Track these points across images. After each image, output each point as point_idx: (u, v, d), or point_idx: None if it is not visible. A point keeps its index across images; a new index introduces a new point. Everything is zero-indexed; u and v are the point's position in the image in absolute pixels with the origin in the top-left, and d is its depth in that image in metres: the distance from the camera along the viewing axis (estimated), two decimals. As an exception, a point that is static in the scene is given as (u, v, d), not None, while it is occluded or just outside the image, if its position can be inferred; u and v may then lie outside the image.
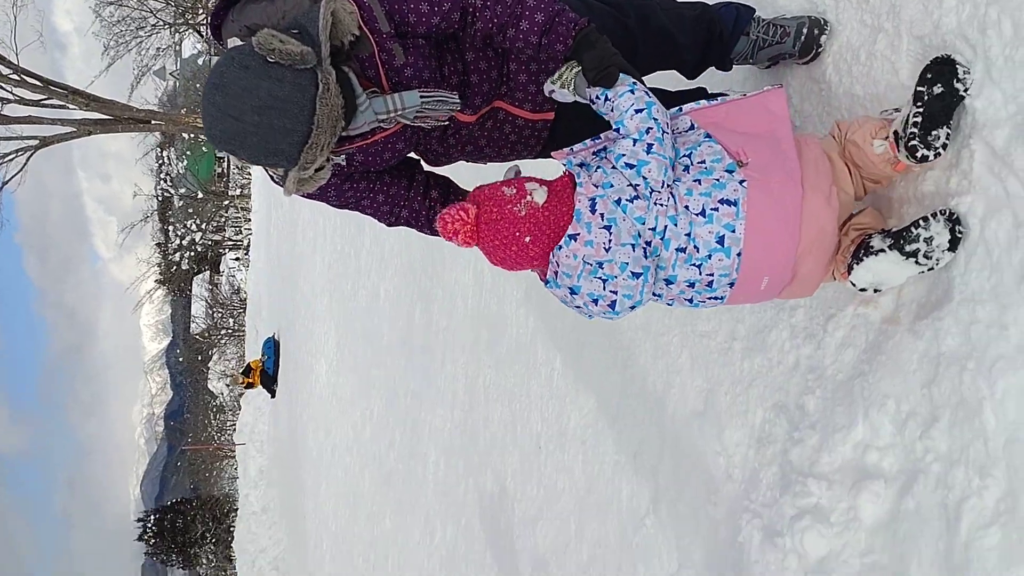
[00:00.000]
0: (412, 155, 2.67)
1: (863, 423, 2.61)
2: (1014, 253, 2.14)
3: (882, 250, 2.30)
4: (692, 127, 2.34)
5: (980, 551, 2.13)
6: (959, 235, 2.27)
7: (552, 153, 2.41)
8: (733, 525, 3.20)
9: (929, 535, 2.30)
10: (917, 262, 2.30)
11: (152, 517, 49.65)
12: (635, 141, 2.19)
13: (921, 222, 2.27)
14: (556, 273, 2.24)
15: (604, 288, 2.20)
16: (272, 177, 2.43)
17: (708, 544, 3.43)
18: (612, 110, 2.25)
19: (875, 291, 2.44)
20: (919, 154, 2.30)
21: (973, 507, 2.17)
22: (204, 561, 44.89)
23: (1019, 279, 2.12)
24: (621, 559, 4.11)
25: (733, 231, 2.19)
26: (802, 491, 2.78)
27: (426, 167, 2.73)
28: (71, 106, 19.96)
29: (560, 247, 2.20)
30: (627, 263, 2.17)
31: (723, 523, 3.31)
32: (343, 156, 2.38)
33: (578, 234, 2.18)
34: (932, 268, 2.33)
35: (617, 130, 2.24)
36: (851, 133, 2.40)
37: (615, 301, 2.22)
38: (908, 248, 2.28)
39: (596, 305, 2.23)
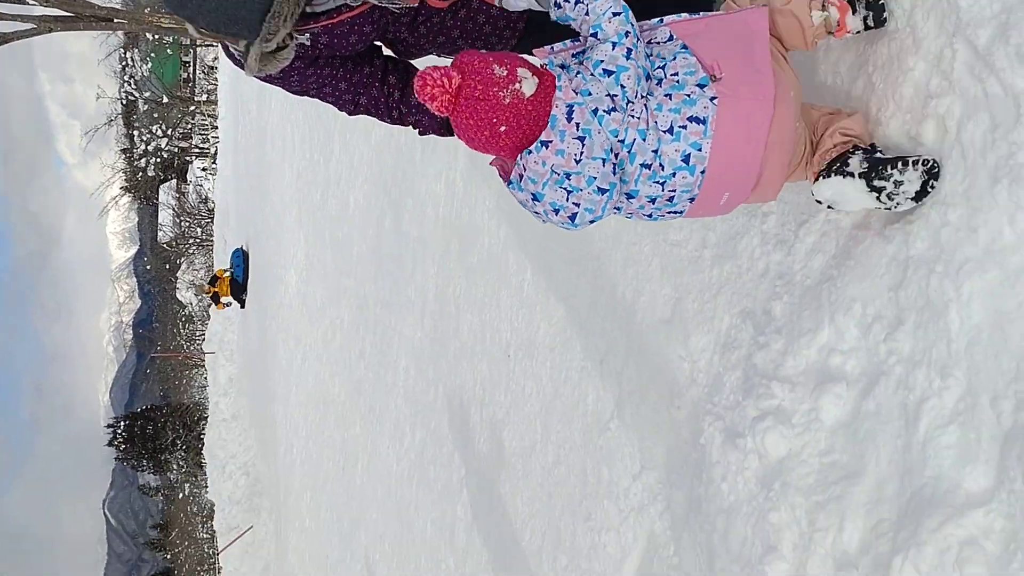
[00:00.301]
0: (378, 44, 2.59)
1: (829, 327, 2.63)
2: (988, 155, 2.13)
3: (852, 174, 2.30)
4: (671, 38, 2.28)
5: (937, 449, 2.17)
6: (929, 190, 2.28)
7: (534, 51, 2.33)
8: (695, 427, 3.25)
9: (888, 434, 2.35)
10: (879, 199, 2.31)
11: (122, 423, 50.00)
12: (614, 45, 2.13)
13: (900, 164, 2.26)
14: (521, 176, 2.18)
15: (567, 200, 2.15)
16: (233, 55, 2.33)
17: (670, 446, 3.48)
18: (587, 14, 2.17)
19: (828, 207, 2.44)
20: (883, 16, 2.34)
21: (933, 407, 2.21)
22: (175, 467, 45.44)
23: (992, 181, 2.11)
24: (585, 461, 4.18)
25: (699, 150, 2.16)
26: (765, 394, 2.81)
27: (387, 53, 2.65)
28: (31, 1, 19.26)
29: (530, 151, 2.13)
30: (595, 178, 2.12)
31: (686, 425, 3.36)
32: (307, 35, 2.30)
33: (550, 141, 2.11)
34: (889, 209, 2.35)
35: (594, 35, 2.17)
36: (782, 3, 2.34)
37: (576, 214, 2.18)
38: (876, 183, 2.29)
39: (556, 215, 2.19)
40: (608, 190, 2.15)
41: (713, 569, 3.04)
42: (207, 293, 24.04)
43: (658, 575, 3.46)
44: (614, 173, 2.15)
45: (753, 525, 2.80)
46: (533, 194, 2.17)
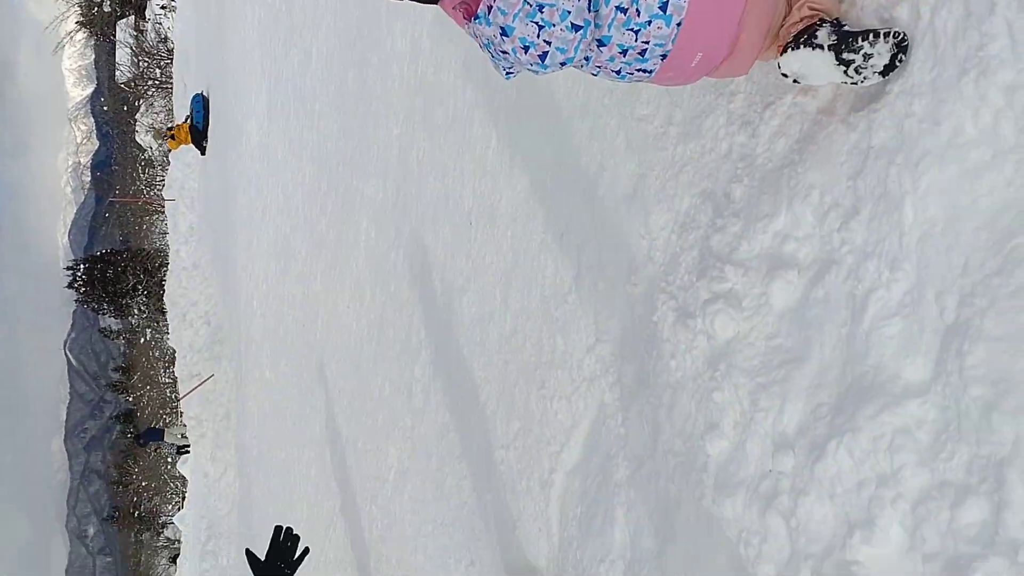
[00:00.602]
0: None
1: (786, 213, 2.64)
2: (959, 45, 2.09)
3: (821, 46, 2.25)
4: None
5: (880, 339, 2.22)
6: (897, 64, 2.24)
7: None
8: (649, 305, 3.29)
9: (834, 322, 2.39)
10: (846, 72, 2.27)
11: (81, 266, 49.57)
12: None
13: (871, 36, 2.22)
14: (490, 8, 2.03)
15: (538, 36, 2.03)
16: None
17: (624, 321, 3.53)
18: None
19: (794, 81, 2.40)
20: None
21: (880, 298, 2.24)
22: (136, 311, 45.44)
23: (960, 73, 2.08)
24: (542, 331, 4.23)
25: None
26: (718, 276, 2.84)
27: None
28: None
29: None
30: (569, 12, 2.00)
31: (640, 302, 3.40)
32: None
33: None
34: (855, 84, 2.31)
35: None
36: None
37: (547, 53, 2.06)
38: (845, 56, 2.24)
39: (526, 53, 2.06)
40: (582, 28, 2.04)
41: (657, 441, 3.14)
42: (164, 138, 23.48)
43: (606, 443, 3.57)
44: (589, 10, 2.05)
45: (698, 402, 2.88)
46: (502, 28, 2.03)
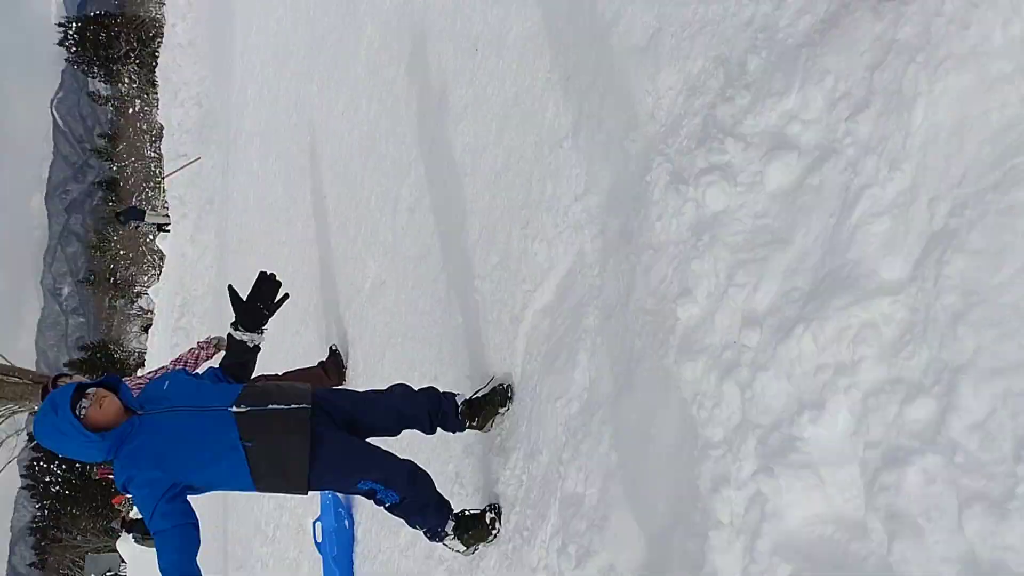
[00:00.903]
0: None
1: (797, 93, 2.61)
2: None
3: None
4: None
5: (865, 235, 2.23)
6: None
7: None
8: (644, 163, 3.27)
9: (823, 211, 2.41)
10: None
11: (74, 25, 48.03)
12: None
13: None
14: None
15: None
16: None
17: (617, 175, 3.52)
18: None
19: None
20: None
21: (873, 195, 2.24)
22: (126, 79, 44.48)
23: (999, -23, 2.02)
24: (533, 172, 4.21)
25: None
26: (718, 148, 2.83)
27: None
28: None
29: None
30: None
31: (636, 159, 3.38)
32: None
33: None
34: None
35: None
36: None
37: None
38: None
39: None
40: None
41: (630, 297, 3.20)
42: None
43: (580, 290, 3.64)
44: None
45: (675, 267, 2.92)
46: None
